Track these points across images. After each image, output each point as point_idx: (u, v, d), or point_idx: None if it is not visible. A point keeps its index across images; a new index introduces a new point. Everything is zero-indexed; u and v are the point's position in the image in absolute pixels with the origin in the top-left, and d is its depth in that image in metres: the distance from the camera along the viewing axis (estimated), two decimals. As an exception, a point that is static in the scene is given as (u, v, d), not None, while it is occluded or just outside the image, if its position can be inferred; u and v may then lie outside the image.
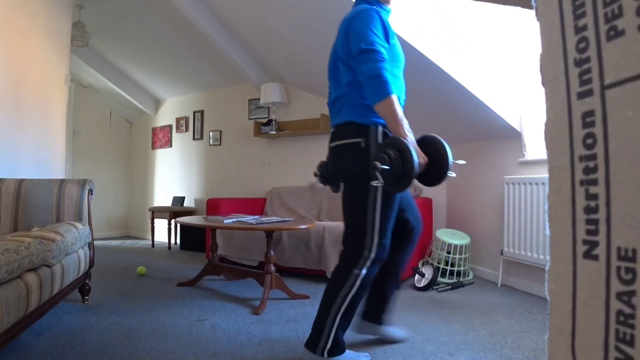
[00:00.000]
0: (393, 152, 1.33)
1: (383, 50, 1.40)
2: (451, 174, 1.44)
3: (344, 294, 1.49)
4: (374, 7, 1.50)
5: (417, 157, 1.33)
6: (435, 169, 1.43)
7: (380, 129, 1.49)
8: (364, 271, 1.50)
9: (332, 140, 1.62)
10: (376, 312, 1.80)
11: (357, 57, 1.41)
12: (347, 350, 1.57)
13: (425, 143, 1.46)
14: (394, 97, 1.37)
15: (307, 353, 1.53)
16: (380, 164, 1.32)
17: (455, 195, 3.52)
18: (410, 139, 1.38)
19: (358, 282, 1.49)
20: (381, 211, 1.49)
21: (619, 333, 0.38)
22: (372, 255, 1.50)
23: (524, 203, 2.67)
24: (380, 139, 1.48)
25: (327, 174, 1.70)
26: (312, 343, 1.52)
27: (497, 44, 2.71)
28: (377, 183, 1.36)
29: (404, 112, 1.45)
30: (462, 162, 1.53)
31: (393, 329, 1.84)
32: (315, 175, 1.75)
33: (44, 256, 1.62)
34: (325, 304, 1.52)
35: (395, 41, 1.53)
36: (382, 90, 1.36)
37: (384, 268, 1.65)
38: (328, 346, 1.49)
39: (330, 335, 1.49)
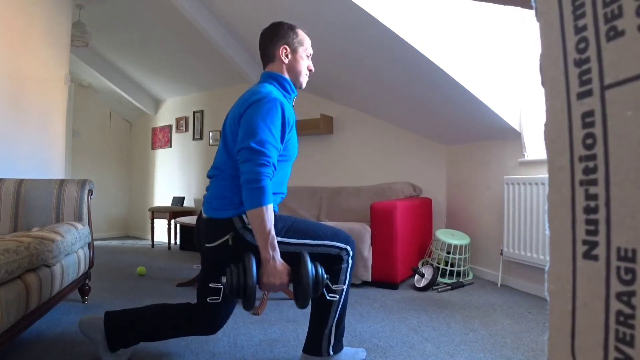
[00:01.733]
0: (239, 268, 1.25)
1: (273, 154, 1.30)
2: (332, 296, 1.36)
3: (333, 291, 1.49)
4: (280, 93, 1.43)
5: (261, 276, 1.25)
6: (300, 290, 1.29)
7: (245, 217, 1.37)
8: (350, 261, 1.51)
9: (205, 239, 1.45)
10: None
11: (242, 153, 1.30)
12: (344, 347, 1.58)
13: (295, 261, 1.32)
14: (268, 208, 1.27)
15: (311, 359, 1.52)
16: (223, 278, 1.25)
17: (455, 195, 3.52)
18: (272, 255, 1.27)
19: (348, 274, 1.51)
20: (308, 238, 1.43)
21: (619, 333, 0.38)
22: (347, 245, 1.50)
23: (523, 203, 2.67)
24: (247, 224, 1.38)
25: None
26: (315, 347, 1.52)
27: (497, 44, 2.71)
28: (215, 300, 1.29)
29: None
30: (340, 287, 1.45)
31: None
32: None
33: (44, 256, 1.62)
34: (323, 307, 1.51)
35: (293, 134, 1.44)
36: (259, 198, 1.25)
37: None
38: (332, 343, 1.51)
39: (332, 332, 1.51)
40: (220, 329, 1.57)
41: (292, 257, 1.33)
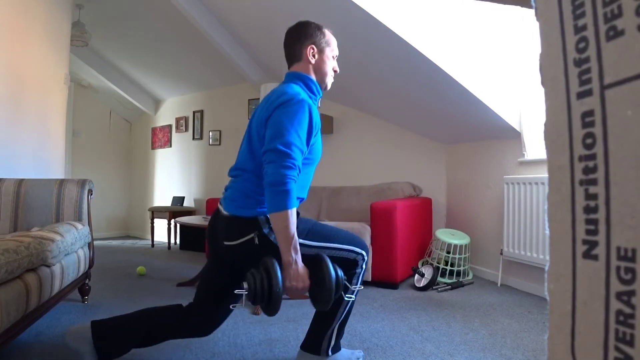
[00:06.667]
0: (261, 272, 1.21)
1: (299, 157, 1.28)
2: (349, 296, 1.37)
3: (351, 291, 1.50)
4: (306, 94, 1.40)
5: (284, 280, 1.21)
6: (320, 293, 1.28)
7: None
8: (364, 266, 1.52)
9: (225, 237, 1.39)
10: None
11: (268, 155, 1.26)
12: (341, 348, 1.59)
13: (315, 264, 1.30)
14: (292, 212, 1.25)
15: (308, 356, 1.52)
16: (245, 284, 1.22)
17: (455, 195, 3.52)
18: (294, 258, 1.25)
19: (361, 278, 1.51)
20: (328, 241, 1.42)
21: (619, 333, 0.38)
22: (363, 250, 1.51)
23: (523, 203, 2.67)
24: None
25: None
26: (315, 346, 1.51)
27: (497, 44, 2.71)
28: (238, 306, 1.27)
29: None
30: (357, 287, 1.43)
31: None
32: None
33: (44, 256, 1.62)
34: (331, 308, 1.46)
35: (318, 137, 1.42)
36: (283, 201, 1.23)
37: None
38: (332, 344, 1.51)
39: (334, 333, 1.51)
40: (213, 332, 1.51)
41: (310, 260, 1.30)
